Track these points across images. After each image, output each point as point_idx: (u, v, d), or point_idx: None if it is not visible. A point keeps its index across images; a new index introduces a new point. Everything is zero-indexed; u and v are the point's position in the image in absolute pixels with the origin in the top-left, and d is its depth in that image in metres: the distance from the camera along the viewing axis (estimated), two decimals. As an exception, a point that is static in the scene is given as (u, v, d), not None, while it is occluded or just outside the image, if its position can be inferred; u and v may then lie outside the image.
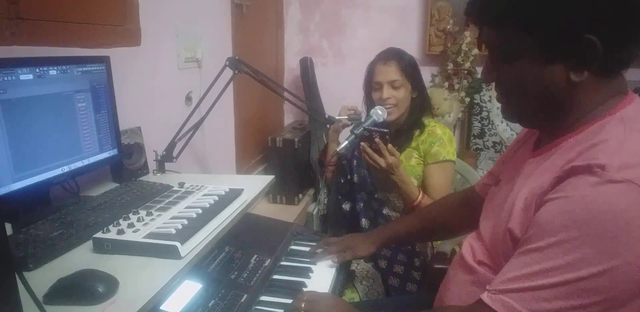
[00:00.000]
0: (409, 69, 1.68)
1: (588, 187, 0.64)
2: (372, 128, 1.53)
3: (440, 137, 1.67)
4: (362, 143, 1.54)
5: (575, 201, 0.64)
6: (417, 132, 1.71)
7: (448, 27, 2.55)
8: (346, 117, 1.72)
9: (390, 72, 1.66)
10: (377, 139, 1.52)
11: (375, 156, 1.53)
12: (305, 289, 1.10)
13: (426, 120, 1.73)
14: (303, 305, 0.94)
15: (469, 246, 0.93)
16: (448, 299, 0.94)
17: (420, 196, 1.61)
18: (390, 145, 1.52)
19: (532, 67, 0.72)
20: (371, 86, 1.72)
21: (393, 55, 1.69)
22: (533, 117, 0.80)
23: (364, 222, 1.65)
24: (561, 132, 0.77)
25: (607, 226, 0.61)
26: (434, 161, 1.67)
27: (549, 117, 0.78)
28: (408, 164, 1.68)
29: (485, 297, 0.71)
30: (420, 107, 1.73)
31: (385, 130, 1.52)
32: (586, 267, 0.62)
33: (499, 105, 0.86)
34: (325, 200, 1.96)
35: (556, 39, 0.69)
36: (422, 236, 1.35)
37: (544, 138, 0.83)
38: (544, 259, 0.65)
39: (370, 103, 1.76)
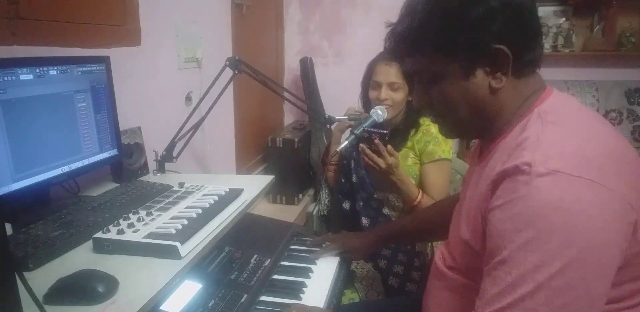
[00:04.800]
0: None
1: (522, 186, 0.66)
2: (372, 129, 1.53)
3: (435, 136, 1.67)
4: (361, 145, 1.54)
5: (517, 203, 0.66)
6: (412, 132, 1.71)
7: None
8: (346, 117, 1.72)
9: (391, 74, 1.65)
10: (376, 141, 1.52)
11: (375, 157, 1.53)
12: (305, 289, 1.11)
13: (421, 119, 1.72)
14: None
15: (440, 253, 0.96)
16: (431, 307, 0.96)
17: (420, 195, 1.61)
18: (389, 146, 1.52)
19: (457, 83, 0.79)
20: (369, 84, 1.72)
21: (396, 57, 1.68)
22: (469, 130, 0.87)
23: (364, 220, 1.64)
24: (495, 137, 0.83)
25: (552, 218, 0.63)
26: (430, 160, 1.67)
27: (481, 126, 0.84)
28: (404, 164, 1.68)
29: None
30: (416, 110, 1.72)
31: (385, 131, 1.52)
32: (551, 263, 0.63)
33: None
34: (326, 200, 1.96)
35: (470, 53, 0.76)
36: (419, 235, 1.39)
37: (484, 145, 0.89)
38: (513, 267, 0.65)
39: (366, 100, 1.75)
